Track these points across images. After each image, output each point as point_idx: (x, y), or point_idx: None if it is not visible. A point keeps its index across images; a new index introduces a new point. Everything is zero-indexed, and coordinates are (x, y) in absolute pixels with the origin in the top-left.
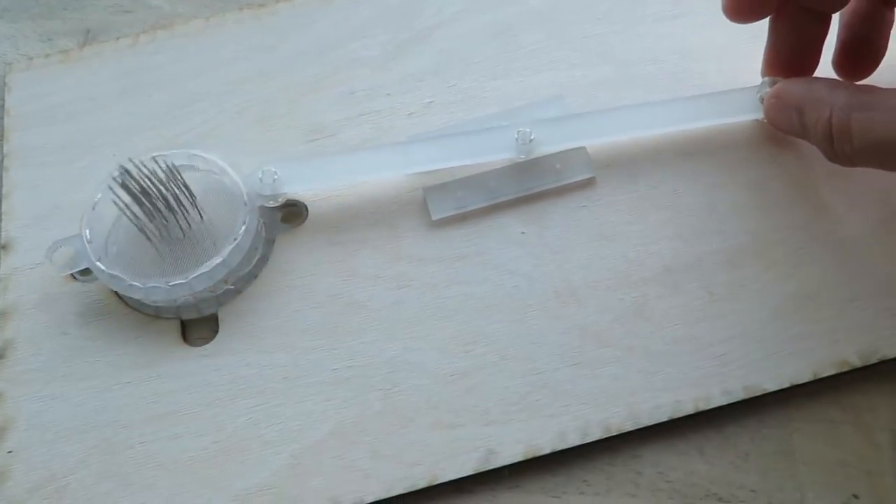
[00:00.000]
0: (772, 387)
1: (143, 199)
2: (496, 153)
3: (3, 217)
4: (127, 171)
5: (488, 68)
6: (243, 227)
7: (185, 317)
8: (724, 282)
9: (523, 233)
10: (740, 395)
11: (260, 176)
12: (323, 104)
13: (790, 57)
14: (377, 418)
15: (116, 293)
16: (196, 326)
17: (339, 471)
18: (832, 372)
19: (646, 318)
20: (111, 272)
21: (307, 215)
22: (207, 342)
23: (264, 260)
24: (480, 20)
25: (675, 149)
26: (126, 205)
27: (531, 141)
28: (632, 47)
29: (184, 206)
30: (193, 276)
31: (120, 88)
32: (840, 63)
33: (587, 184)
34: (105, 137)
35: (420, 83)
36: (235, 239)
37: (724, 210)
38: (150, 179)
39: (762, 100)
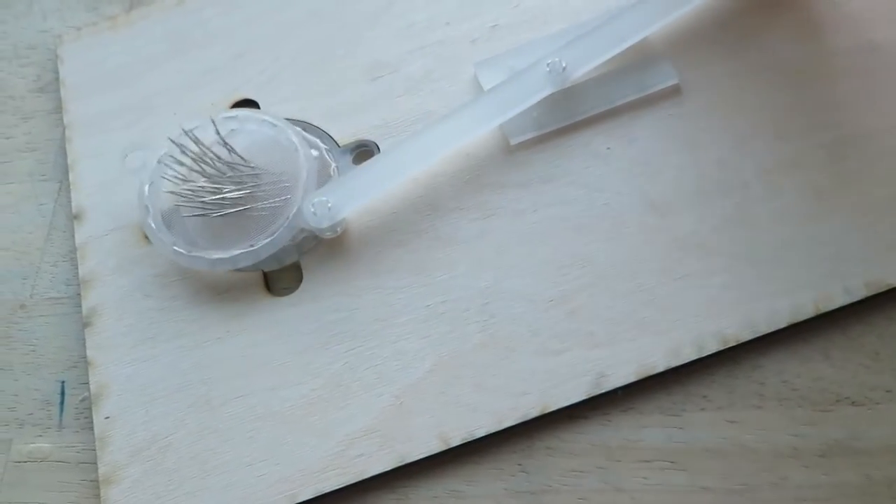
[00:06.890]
0: None
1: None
2: (532, 93)
3: (71, 188)
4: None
5: None
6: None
7: (266, 269)
8: (831, 177)
9: (609, 148)
10: (863, 293)
11: (313, 210)
12: (381, 40)
13: None
14: (478, 351)
15: None
16: (279, 276)
17: (445, 407)
18: None
19: (749, 223)
20: (148, 202)
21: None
22: (292, 291)
23: None
24: None
25: (760, 46)
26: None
27: (564, 69)
28: None
29: (237, 170)
30: (216, 256)
31: (171, 48)
32: None
33: (672, 92)
34: (162, 98)
35: (480, 7)
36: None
37: (824, 102)
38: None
39: None
